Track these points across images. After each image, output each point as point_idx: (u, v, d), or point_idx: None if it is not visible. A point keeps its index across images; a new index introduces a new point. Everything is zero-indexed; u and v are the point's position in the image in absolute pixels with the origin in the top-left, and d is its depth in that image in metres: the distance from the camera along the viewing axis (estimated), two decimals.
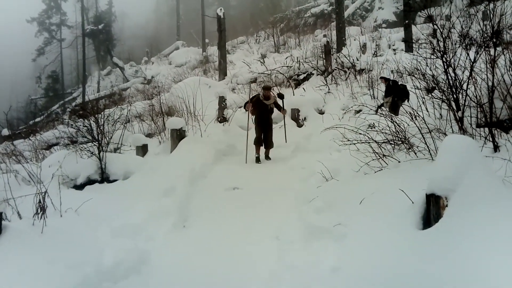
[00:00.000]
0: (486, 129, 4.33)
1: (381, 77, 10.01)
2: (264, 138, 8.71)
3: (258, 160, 8.56)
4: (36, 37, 37.87)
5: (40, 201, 4.14)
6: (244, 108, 9.13)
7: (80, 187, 6.40)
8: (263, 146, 8.79)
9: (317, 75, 13.61)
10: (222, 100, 10.89)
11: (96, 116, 7.54)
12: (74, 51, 39.46)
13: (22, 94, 37.60)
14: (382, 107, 9.41)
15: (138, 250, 4.28)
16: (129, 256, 4.08)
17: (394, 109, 9.39)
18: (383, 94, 9.56)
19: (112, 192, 6.00)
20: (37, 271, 3.31)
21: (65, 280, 3.32)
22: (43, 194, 4.22)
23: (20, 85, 41.34)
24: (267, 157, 8.85)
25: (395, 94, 9.28)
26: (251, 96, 9.08)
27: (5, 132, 14.08)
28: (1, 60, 42.56)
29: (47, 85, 39.12)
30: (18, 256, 3.41)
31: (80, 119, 7.81)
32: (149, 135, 10.33)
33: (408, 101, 9.43)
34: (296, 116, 10.63)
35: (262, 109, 8.61)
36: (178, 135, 8.40)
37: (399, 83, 9.60)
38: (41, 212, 4.07)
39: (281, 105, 9.02)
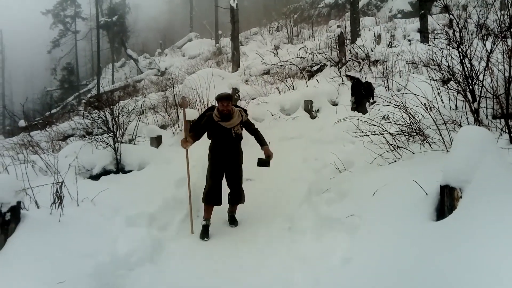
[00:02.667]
0: (502, 120, 4.27)
1: (347, 75, 10.11)
2: (230, 189, 5.20)
3: (205, 231, 4.84)
4: (51, 29, 38.31)
5: (57, 191, 4.22)
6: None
7: (96, 177, 6.49)
8: (229, 204, 5.26)
9: (331, 66, 13.52)
10: (235, 92, 10.90)
11: (111, 107, 7.62)
12: (88, 43, 39.82)
13: (38, 86, 38.12)
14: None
15: (152, 239, 4.35)
16: (143, 244, 4.14)
17: (360, 107, 9.42)
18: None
19: (127, 182, 6.07)
20: (54, 258, 3.39)
21: (81, 267, 3.39)
22: (60, 184, 4.30)
23: (36, 77, 41.90)
24: (232, 219, 5.26)
25: (360, 93, 9.32)
26: (193, 119, 5.76)
27: (22, 123, 14.30)
28: (17, 52, 43.13)
29: (62, 77, 39.54)
30: (36, 244, 3.49)
31: (95, 111, 7.89)
32: (163, 127, 10.40)
33: (372, 98, 9.47)
34: (309, 108, 10.58)
35: (220, 137, 5.04)
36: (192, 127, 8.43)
37: (363, 82, 9.64)
38: (58, 202, 4.15)
39: (259, 134, 5.28)
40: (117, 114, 7.44)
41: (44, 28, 38.19)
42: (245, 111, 5.42)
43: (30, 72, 43.80)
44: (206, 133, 5.15)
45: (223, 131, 4.98)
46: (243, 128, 5.19)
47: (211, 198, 5.00)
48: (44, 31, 38.17)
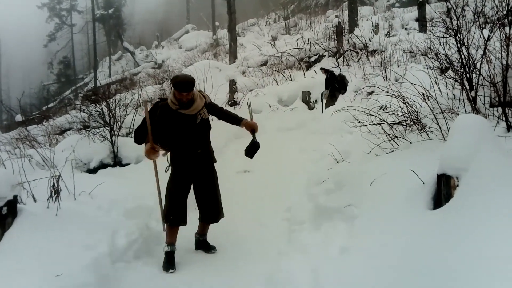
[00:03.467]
0: (500, 108, 4.26)
1: (321, 68, 10.17)
2: (198, 201, 4.13)
3: (170, 260, 3.86)
4: (47, 22, 38.10)
5: (54, 185, 4.21)
6: (137, 142, 4.19)
7: (93, 171, 6.49)
8: (201, 223, 4.23)
9: (329, 56, 13.48)
10: (232, 84, 10.87)
11: (108, 101, 7.60)
12: (85, 37, 39.63)
13: (34, 80, 37.97)
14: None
15: (150, 232, 4.35)
16: (142, 237, 4.15)
17: (332, 100, 9.46)
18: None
19: (124, 175, 6.07)
20: (51, 252, 3.39)
21: (78, 260, 3.39)
22: (57, 178, 4.29)
23: (33, 71, 41.71)
24: (204, 244, 4.23)
25: (334, 86, 9.38)
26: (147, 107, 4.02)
27: (19, 117, 14.26)
28: (14, 46, 42.91)
29: (59, 71, 39.40)
30: (33, 237, 3.48)
31: (92, 104, 7.87)
32: None
33: (345, 92, 9.52)
34: (307, 99, 10.56)
35: (182, 130, 3.91)
36: None
37: (337, 75, 9.69)
38: (55, 195, 4.14)
39: (228, 113, 4.24)
40: (114, 107, 7.42)
41: (40, 22, 37.97)
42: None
43: (27, 66, 43.59)
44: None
45: (185, 121, 3.83)
46: (210, 113, 4.08)
47: (176, 216, 3.88)
48: (40, 25, 37.95)
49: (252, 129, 4.02)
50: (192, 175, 3.99)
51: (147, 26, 41.71)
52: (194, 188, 4.06)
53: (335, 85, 9.60)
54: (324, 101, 9.78)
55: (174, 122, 3.84)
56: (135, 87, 16.53)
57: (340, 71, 10.52)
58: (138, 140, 4.12)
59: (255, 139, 4.02)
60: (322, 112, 9.52)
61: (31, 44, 41.06)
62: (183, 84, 3.72)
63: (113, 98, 7.91)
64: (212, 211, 4.09)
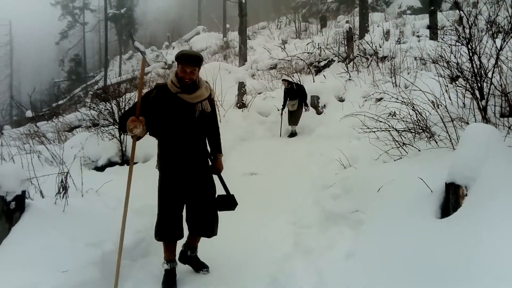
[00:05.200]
0: (510, 118, 4.23)
1: (284, 80, 9.95)
2: (189, 213, 3.48)
3: (171, 278, 3.45)
4: (59, 20, 38.46)
5: (62, 181, 4.24)
6: (122, 129, 3.35)
7: (101, 168, 6.53)
8: (191, 235, 3.61)
9: (339, 62, 13.45)
10: (241, 86, 10.88)
11: (118, 99, 7.65)
12: (96, 35, 39.92)
13: (45, 77, 38.28)
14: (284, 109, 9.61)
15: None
16: (148, 235, 4.16)
17: (299, 111, 9.48)
18: (287, 96, 9.61)
19: (134, 175, 6.08)
20: (58, 248, 3.41)
21: (85, 256, 3.41)
22: (65, 174, 4.32)
23: (44, 68, 42.06)
24: (194, 261, 3.70)
25: (301, 97, 9.37)
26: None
27: (29, 113, 14.38)
28: (26, 43, 43.30)
29: (70, 68, 39.73)
30: (40, 233, 3.51)
31: (102, 102, 7.92)
32: None
33: (308, 108, 9.70)
34: (315, 103, 10.55)
35: (179, 121, 3.32)
36: None
37: (300, 85, 9.77)
38: (63, 192, 4.17)
39: (217, 131, 3.71)
40: (124, 106, 7.46)
41: (52, 19, 38.33)
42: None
43: (38, 63, 43.97)
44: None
45: (183, 109, 3.25)
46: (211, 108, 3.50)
47: (170, 231, 3.36)
48: (53, 22, 38.31)
49: (218, 169, 3.60)
50: (185, 180, 3.34)
51: (158, 27, 41.95)
52: (187, 198, 3.40)
53: (302, 97, 9.55)
54: (285, 113, 9.66)
55: (169, 108, 3.22)
56: (145, 87, 16.62)
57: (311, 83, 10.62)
58: (122, 127, 3.24)
59: (234, 200, 3.56)
60: (281, 136, 9.58)
61: (43, 41, 41.43)
62: (189, 56, 3.19)
63: (123, 97, 7.96)
64: (206, 224, 3.46)
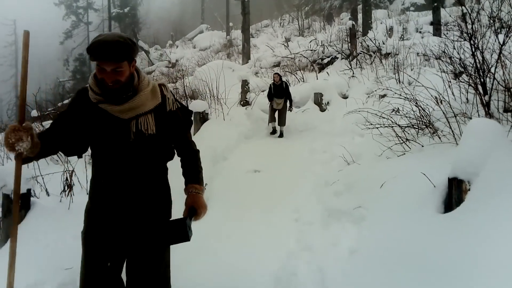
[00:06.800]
0: None
1: (276, 73, 9.62)
2: (133, 276, 2.18)
3: None
4: (63, 20, 38.53)
5: (67, 179, 4.28)
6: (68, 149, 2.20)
7: None
8: None
9: (342, 59, 13.44)
10: (245, 84, 10.89)
11: None
12: None
13: (50, 76, 38.37)
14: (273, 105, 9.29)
15: None
16: None
17: (285, 111, 9.29)
18: (273, 93, 9.25)
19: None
20: (62, 245, 3.44)
21: None
22: (70, 172, 4.35)
23: (49, 67, 42.19)
24: None
25: (287, 96, 9.25)
26: None
27: (34, 113, 14.43)
28: (31, 43, 43.34)
29: (75, 68, 39.82)
30: (45, 230, 3.54)
31: None
32: None
33: (291, 100, 9.41)
34: (319, 101, 10.54)
35: (104, 142, 2.14)
36: (201, 118, 8.46)
37: (287, 83, 9.50)
38: (68, 190, 4.21)
39: (192, 155, 2.35)
40: None
41: (57, 19, 38.42)
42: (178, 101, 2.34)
43: (43, 63, 44.07)
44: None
45: (110, 129, 2.09)
46: (162, 128, 2.19)
47: None
48: (57, 22, 38.40)
49: (197, 208, 2.15)
50: (121, 227, 2.17)
51: (162, 26, 41.99)
52: (124, 251, 2.20)
53: (288, 95, 9.31)
54: (275, 110, 9.31)
55: (89, 126, 2.10)
56: None
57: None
58: (68, 150, 2.19)
59: (188, 231, 2.04)
60: (275, 134, 9.34)
61: (47, 40, 41.55)
62: (106, 45, 1.90)
63: None
64: None
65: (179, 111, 2.27)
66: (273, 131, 9.35)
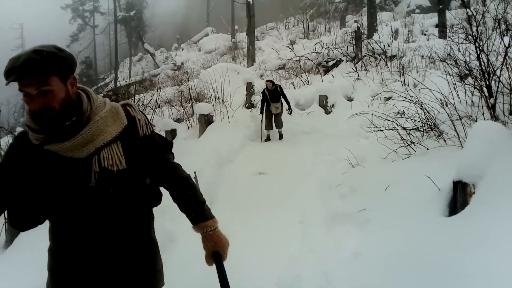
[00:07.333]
0: None
1: (268, 80, 9.49)
2: None
3: None
4: (70, 23, 38.81)
5: None
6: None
7: None
8: None
9: (347, 61, 13.43)
10: (250, 87, 10.91)
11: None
12: (107, 38, 40.22)
13: None
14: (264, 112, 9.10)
15: (164, 231, 4.39)
16: (156, 236, 4.19)
17: (281, 113, 9.18)
18: (269, 98, 9.05)
19: None
20: None
21: None
22: None
23: None
24: None
25: (284, 97, 9.14)
26: None
27: None
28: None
29: (81, 71, 40.04)
30: (46, 234, 3.55)
31: None
32: (178, 120, 10.48)
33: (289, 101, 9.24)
34: (324, 103, 10.54)
35: (59, 198, 1.56)
36: (206, 121, 8.49)
37: (280, 85, 9.36)
38: None
39: (185, 185, 1.81)
40: None
41: (63, 22, 38.70)
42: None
43: None
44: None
45: (66, 178, 1.54)
46: (135, 159, 1.65)
47: None
48: (63, 25, 38.68)
49: (218, 248, 1.81)
50: None
51: (167, 29, 42.17)
52: None
53: (284, 97, 9.16)
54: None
55: (39, 177, 1.56)
56: (154, 88, 16.71)
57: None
58: (14, 219, 1.65)
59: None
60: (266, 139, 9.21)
61: (54, 43, 41.87)
62: (17, 59, 1.40)
63: (132, 98, 8.03)
64: None
65: (155, 135, 1.77)
66: (268, 139, 9.24)
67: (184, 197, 1.78)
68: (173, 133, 8.29)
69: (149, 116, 8.44)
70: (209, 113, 8.59)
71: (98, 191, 1.55)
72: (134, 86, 18.69)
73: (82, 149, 1.51)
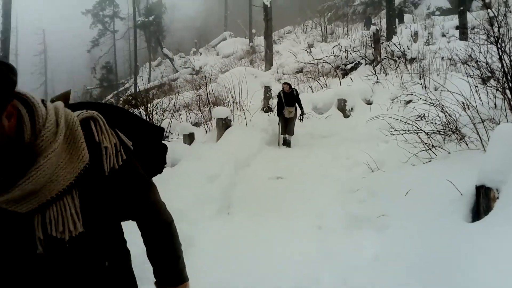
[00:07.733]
0: None
1: (286, 83, 9.32)
2: None
3: None
4: (90, 28, 39.56)
5: None
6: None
7: None
8: None
9: (366, 64, 13.31)
10: (267, 90, 10.92)
11: (146, 105, 7.81)
12: (126, 43, 40.79)
13: (78, 84, 39.35)
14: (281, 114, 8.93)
15: (182, 235, 4.40)
16: None
17: (294, 119, 8.97)
18: (284, 101, 8.88)
19: (159, 178, 6.17)
20: None
21: None
22: None
23: (77, 75, 43.28)
24: None
25: (298, 103, 8.95)
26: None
27: None
28: (59, 51, 44.70)
29: (102, 76, 40.72)
30: None
31: (132, 108, 8.10)
32: (196, 124, 10.54)
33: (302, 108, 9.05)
34: (342, 107, 10.46)
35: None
36: (224, 124, 8.51)
37: (296, 90, 9.17)
38: None
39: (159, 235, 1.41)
40: (151, 111, 7.61)
41: (84, 28, 39.44)
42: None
43: (71, 71, 45.26)
44: None
45: (4, 240, 1.10)
46: (98, 210, 1.19)
47: None
48: (84, 30, 39.42)
49: None
50: None
51: (186, 33, 42.55)
52: None
53: (299, 103, 9.03)
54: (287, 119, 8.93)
55: None
56: (173, 93, 16.87)
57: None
58: None
59: None
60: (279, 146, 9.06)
61: (75, 49, 42.65)
62: None
63: (151, 102, 8.12)
64: None
65: (130, 162, 1.25)
66: (285, 142, 9.13)
67: (156, 248, 1.40)
68: (191, 137, 8.33)
69: (167, 120, 8.49)
70: (227, 117, 8.61)
71: (48, 259, 1.12)
72: (153, 90, 18.92)
73: (21, 204, 1.05)
